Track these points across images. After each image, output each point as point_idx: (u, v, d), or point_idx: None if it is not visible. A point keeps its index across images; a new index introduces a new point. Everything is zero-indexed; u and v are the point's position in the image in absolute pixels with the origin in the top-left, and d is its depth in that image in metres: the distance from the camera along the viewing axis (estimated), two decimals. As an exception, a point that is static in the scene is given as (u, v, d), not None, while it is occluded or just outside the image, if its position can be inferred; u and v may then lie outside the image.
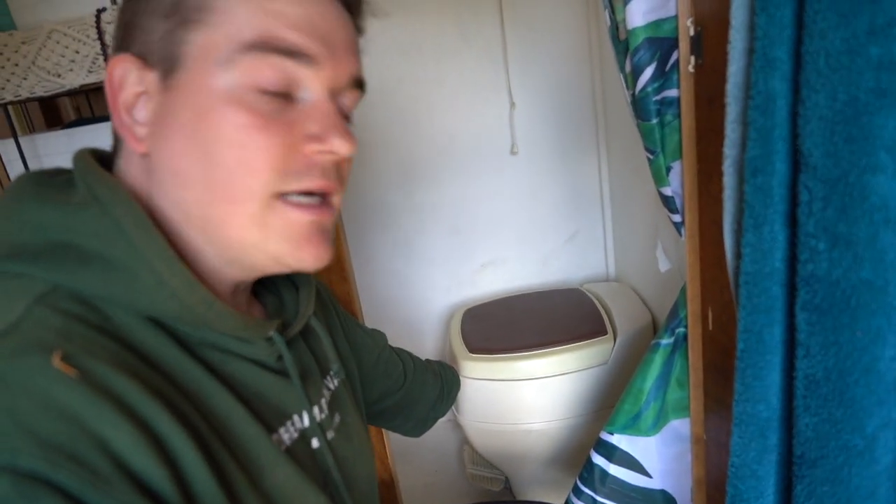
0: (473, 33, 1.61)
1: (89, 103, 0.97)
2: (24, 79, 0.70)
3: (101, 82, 0.69)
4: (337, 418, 0.58)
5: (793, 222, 0.48)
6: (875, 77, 0.40)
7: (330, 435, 0.56)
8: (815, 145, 0.44)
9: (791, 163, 0.48)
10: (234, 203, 0.42)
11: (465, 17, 1.59)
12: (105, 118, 0.86)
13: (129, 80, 0.42)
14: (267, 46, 0.41)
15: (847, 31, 0.40)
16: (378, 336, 0.83)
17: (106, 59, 0.68)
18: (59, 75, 0.69)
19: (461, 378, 1.14)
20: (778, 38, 0.46)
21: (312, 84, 0.44)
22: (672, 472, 0.95)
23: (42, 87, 0.71)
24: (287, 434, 0.50)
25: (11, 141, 0.79)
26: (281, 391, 0.50)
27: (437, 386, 0.97)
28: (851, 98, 0.41)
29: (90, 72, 0.69)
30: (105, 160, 0.47)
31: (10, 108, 0.81)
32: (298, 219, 0.44)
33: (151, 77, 0.42)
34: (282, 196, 0.43)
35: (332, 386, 0.60)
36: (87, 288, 0.39)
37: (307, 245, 0.45)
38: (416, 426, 0.93)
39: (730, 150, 0.54)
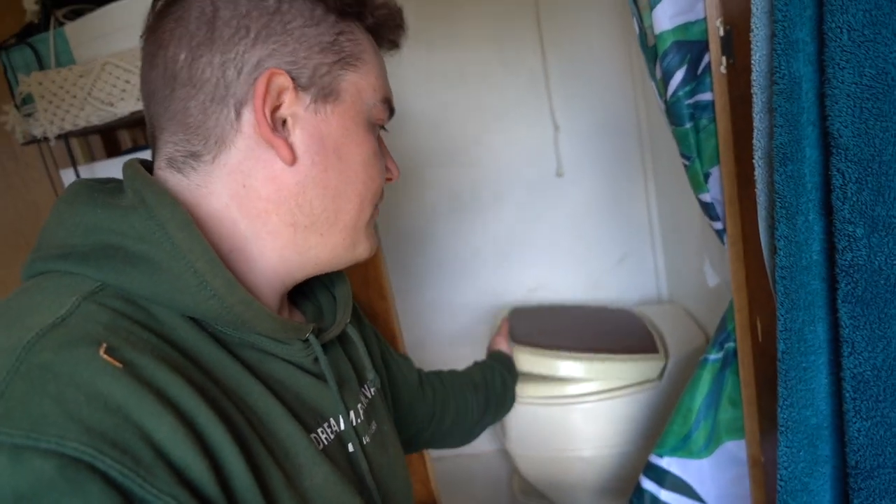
0: (514, 60, 1.63)
1: (144, 134, 1.04)
2: (82, 109, 0.76)
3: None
4: (373, 426, 0.58)
5: (828, 210, 0.46)
6: (903, 47, 0.38)
7: (366, 440, 0.55)
8: (844, 125, 0.42)
9: (821, 147, 0.45)
10: (360, 210, 0.51)
11: (505, 45, 1.62)
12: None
13: (286, 98, 0.46)
14: (388, 105, 0.54)
15: (869, 2, 0.39)
16: (407, 369, 0.82)
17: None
18: (111, 104, 0.75)
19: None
20: (799, 20, 0.44)
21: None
22: (728, 497, 0.89)
23: (97, 116, 0.76)
24: (324, 435, 0.50)
25: (72, 170, 0.85)
26: (318, 393, 0.51)
27: (480, 402, 0.95)
28: (879, 72, 0.39)
29: (139, 100, 0.74)
30: (150, 170, 0.50)
31: (72, 140, 0.88)
32: (372, 230, 0.55)
33: (305, 99, 0.47)
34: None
35: (368, 394, 0.60)
36: (132, 287, 0.41)
37: (373, 239, 0.56)
38: (462, 442, 0.92)
39: (759, 141, 0.52)
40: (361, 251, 0.54)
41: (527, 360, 1.25)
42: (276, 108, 0.46)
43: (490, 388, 0.99)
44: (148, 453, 0.33)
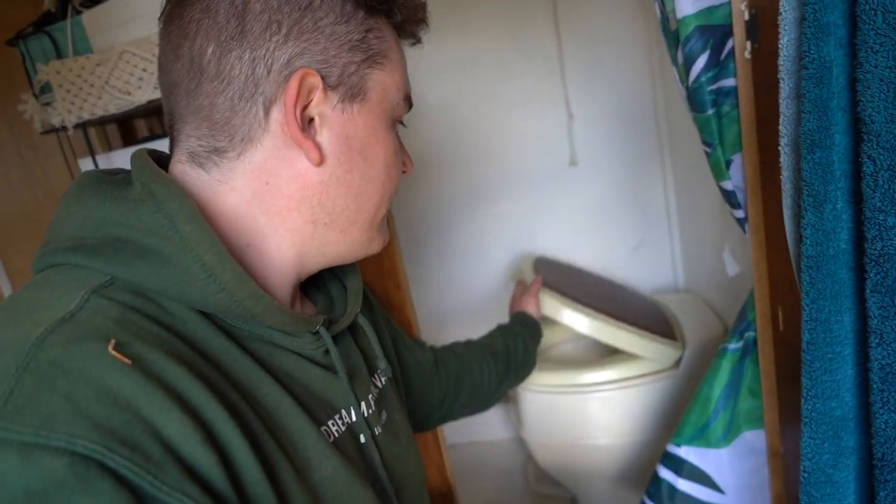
0: (530, 47, 1.61)
1: (160, 122, 1.04)
2: (100, 98, 0.76)
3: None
4: (384, 416, 0.58)
5: (857, 198, 0.45)
6: (940, 30, 0.37)
7: (377, 431, 0.55)
8: (876, 111, 0.40)
9: (851, 134, 0.44)
10: (378, 208, 0.52)
11: (520, 32, 1.60)
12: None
13: (315, 97, 0.45)
14: (409, 101, 0.53)
15: (905, -17, 0.37)
16: (420, 353, 0.82)
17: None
18: (129, 93, 0.75)
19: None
20: (830, 2, 0.43)
21: None
22: (747, 487, 0.89)
23: (115, 104, 0.76)
24: (335, 427, 0.50)
25: (90, 159, 0.86)
26: (328, 385, 0.51)
27: (499, 371, 0.93)
28: (915, 55, 0.38)
29: (156, 88, 0.74)
30: (161, 161, 0.49)
31: (90, 129, 0.88)
32: (386, 216, 0.55)
33: (333, 98, 0.46)
34: None
35: (379, 384, 0.60)
36: (141, 280, 0.41)
37: (386, 234, 0.56)
38: (478, 411, 0.92)
39: (785, 128, 0.51)
40: (375, 246, 0.55)
41: (555, 308, 1.21)
42: (304, 107, 0.45)
43: (512, 355, 0.96)
44: (158, 450, 0.33)
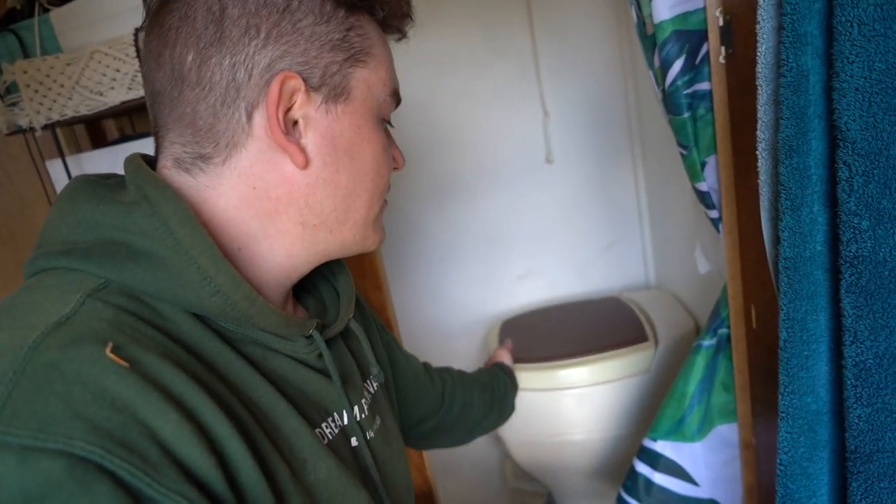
0: (505, 45, 1.62)
1: (132, 123, 1.01)
2: (70, 99, 0.74)
3: (142, 99, 0.72)
4: (378, 421, 0.58)
5: (832, 202, 0.46)
6: (913, 42, 0.38)
7: (370, 435, 0.56)
8: (852, 119, 0.42)
9: (828, 140, 0.46)
10: (369, 207, 0.51)
11: (496, 30, 1.61)
12: (146, 134, 0.90)
13: (297, 99, 0.45)
14: (395, 96, 0.53)
15: (880, -3, 0.39)
16: (414, 360, 0.82)
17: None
18: (101, 94, 0.73)
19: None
20: (807, 13, 0.44)
21: None
22: (721, 479, 0.92)
23: (86, 105, 0.74)
24: (328, 429, 0.50)
25: (59, 161, 0.83)
26: (321, 389, 0.51)
27: (486, 401, 0.94)
28: (889, 66, 0.40)
29: (129, 89, 0.72)
30: (152, 165, 0.49)
31: (58, 130, 0.85)
32: (382, 212, 0.54)
33: (317, 99, 0.46)
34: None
35: (371, 389, 0.60)
36: (136, 283, 0.40)
37: (381, 232, 0.56)
38: (460, 441, 0.92)
39: (763, 133, 0.52)
40: (370, 243, 0.54)
41: (525, 378, 1.26)
42: (287, 110, 0.45)
43: (496, 391, 0.98)
44: (155, 452, 0.33)
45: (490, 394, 0.97)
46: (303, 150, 0.46)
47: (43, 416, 0.31)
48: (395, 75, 0.53)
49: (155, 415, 0.34)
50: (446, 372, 0.89)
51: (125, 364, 0.35)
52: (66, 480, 0.30)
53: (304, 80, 0.45)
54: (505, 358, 1.15)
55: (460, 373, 0.93)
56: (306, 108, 0.45)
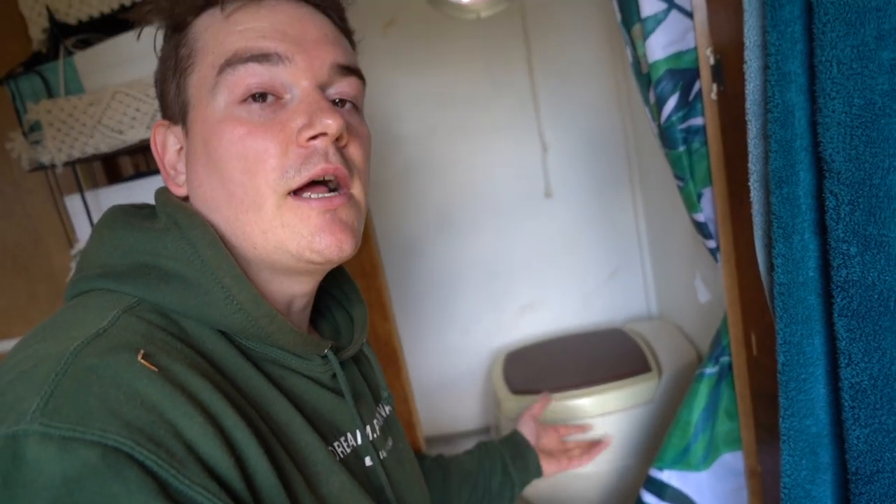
0: (503, 82, 1.67)
1: (146, 160, 1.05)
2: (91, 137, 0.77)
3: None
4: (390, 442, 0.60)
5: (822, 229, 0.49)
6: (889, 80, 0.41)
7: (383, 455, 0.57)
8: (836, 151, 0.45)
9: (815, 171, 0.48)
10: (251, 210, 0.46)
11: (495, 67, 1.66)
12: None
13: (169, 142, 0.51)
14: (238, 59, 0.46)
15: (856, 38, 0.42)
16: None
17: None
18: (121, 132, 0.76)
19: (506, 420, 1.08)
20: (790, 53, 0.47)
21: (293, 80, 0.47)
22: (727, 509, 0.91)
23: (106, 143, 0.77)
24: (340, 448, 0.52)
25: (78, 196, 0.86)
26: (335, 408, 0.53)
27: (471, 484, 0.82)
28: (867, 102, 0.42)
29: (148, 127, 0.76)
30: None
31: (77, 166, 0.88)
32: (310, 211, 0.46)
33: (179, 131, 0.51)
34: (294, 193, 0.46)
35: (384, 412, 0.62)
36: (166, 302, 0.44)
37: (322, 234, 0.46)
38: None
39: (754, 166, 0.55)
40: (318, 243, 0.46)
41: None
42: (177, 150, 0.52)
43: (478, 484, 0.82)
44: (180, 448, 0.36)
45: (473, 481, 0.82)
46: (176, 183, 0.52)
47: (81, 412, 0.34)
48: (230, 42, 0.46)
49: (181, 416, 0.37)
50: (434, 463, 0.81)
51: (155, 370, 0.38)
52: (101, 467, 0.33)
53: (171, 119, 0.51)
54: (527, 425, 0.93)
55: (443, 467, 0.82)
56: (176, 146, 0.52)
